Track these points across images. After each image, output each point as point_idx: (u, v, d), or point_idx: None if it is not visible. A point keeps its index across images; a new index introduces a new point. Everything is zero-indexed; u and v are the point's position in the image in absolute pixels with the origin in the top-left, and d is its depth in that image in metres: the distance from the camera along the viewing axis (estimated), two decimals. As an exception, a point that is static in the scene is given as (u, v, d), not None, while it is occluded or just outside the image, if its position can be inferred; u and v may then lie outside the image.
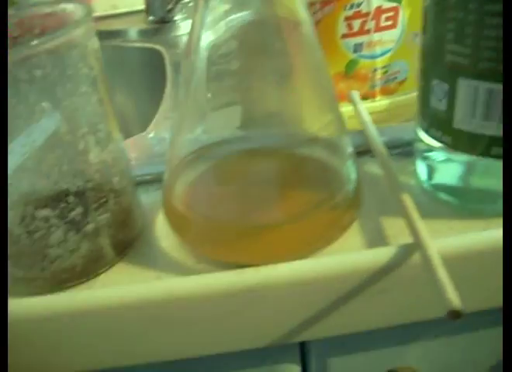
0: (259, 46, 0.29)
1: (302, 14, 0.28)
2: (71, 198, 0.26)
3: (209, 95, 0.29)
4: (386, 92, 0.49)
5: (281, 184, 0.29)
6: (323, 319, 0.28)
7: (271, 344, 0.29)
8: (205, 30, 0.28)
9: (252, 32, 0.29)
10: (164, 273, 0.28)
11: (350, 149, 0.29)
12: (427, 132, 0.31)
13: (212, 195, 0.29)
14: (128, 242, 0.30)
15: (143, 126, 0.49)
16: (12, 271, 0.27)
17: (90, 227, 0.27)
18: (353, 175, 0.29)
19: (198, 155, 0.30)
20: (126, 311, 0.27)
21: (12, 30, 0.29)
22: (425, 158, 0.32)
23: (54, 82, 0.24)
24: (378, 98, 0.49)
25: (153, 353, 0.29)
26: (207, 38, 0.28)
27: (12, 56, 0.22)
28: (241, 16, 0.28)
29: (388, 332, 0.32)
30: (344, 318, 0.29)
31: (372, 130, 0.36)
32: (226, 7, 0.28)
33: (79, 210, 0.27)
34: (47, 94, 0.24)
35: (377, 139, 0.35)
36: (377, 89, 0.49)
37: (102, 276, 0.29)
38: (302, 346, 0.34)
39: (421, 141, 0.32)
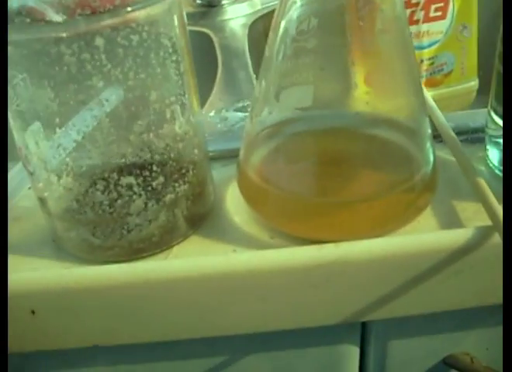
0: (339, 23, 0.29)
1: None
2: (155, 167, 0.27)
3: (287, 73, 0.29)
4: (431, 84, 0.49)
5: (361, 163, 0.29)
6: (394, 298, 0.28)
7: (340, 322, 0.29)
8: (289, 7, 0.28)
9: (334, 8, 0.29)
10: (239, 247, 0.28)
11: (429, 132, 0.29)
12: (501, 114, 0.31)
13: (289, 170, 0.29)
14: (201, 216, 0.30)
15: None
16: (90, 239, 0.28)
17: (169, 197, 0.28)
18: (431, 158, 0.29)
19: (273, 131, 0.30)
20: (203, 282, 0.27)
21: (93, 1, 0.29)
22: (498, 143, 0.32)
23: (149, 49, 0.25)
24: (423, 89, 0.49)
25: (225, 326, 0.29)
26: (291, 15, 0.28)
27: (112, 19, 0.22)
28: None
29: (449, 316, 0.32)
30: (415, 299, 0.29)
31: (440, 116, 0.36)
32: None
33: (161, 179, 0.27)
34: (142, 61, 0.25)
35: (445, 124, 0.35)
36: (422, 80, 0.49)
37: (176, 248, 0.29)
38: (363, 328, 0.34)
39: (495, 125, 0.32)
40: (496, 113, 0.31)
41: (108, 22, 0.22)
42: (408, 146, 0.30)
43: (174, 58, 0.26)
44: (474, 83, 0.50)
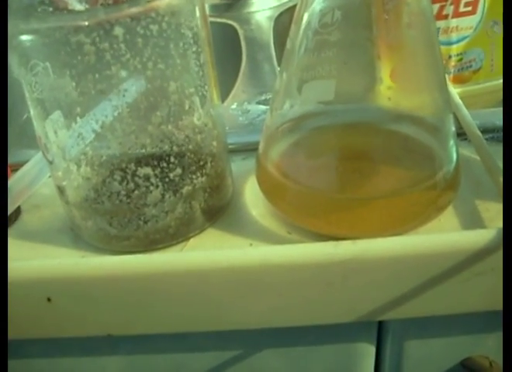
0: (364, 16, 0.28)
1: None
2: (172, 159, 0.26)
3: (309, 66, 0.29)
4: (459, 80, 0.48)
5: (382, 160, 0.28)
6: (411, 299, 0.28)
7: (356, 320, 0.29)
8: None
9: (359, 1, 0.28)
10: (256, 241, 0.28)
11: (453, 129, 0.28)
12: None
13: (308, 166, 0.29)
14: (219, 208, 0.30)
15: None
16: (106, 228, 0.28)
17: (186, 189, 0.27)
18: (454, 156, 0.28)
19: (293, 125, 0.30)
20: (218, 275, 0.27)
21: None
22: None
23: (168, 40, 0.24)
24: (450, 85, 0.48)
25: (239, 320, 0.29)
26: (314, 7, 0.28)
27: (132, 9, 0.22)
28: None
29: (467, 319, 0.31)
30: (434, 300, 0.28)
31: (465, 113, 0.35)
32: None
33: (178, 171, 0.27)
34: (161, 51, 0.24)
35: (471, 122, 0.34)
36: (450, 77, 0.48)
37: (192, 240, 0.29)
38: (380, 327, 0.34)
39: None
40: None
41: (128, 11, 0.22)
42: (431, 143, 0.29)
43: (194, 49, 0.26)
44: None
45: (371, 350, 0.34)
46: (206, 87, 0.27)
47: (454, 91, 0.38)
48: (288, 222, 0.29)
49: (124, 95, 0.24)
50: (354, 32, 0.29)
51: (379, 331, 0.34)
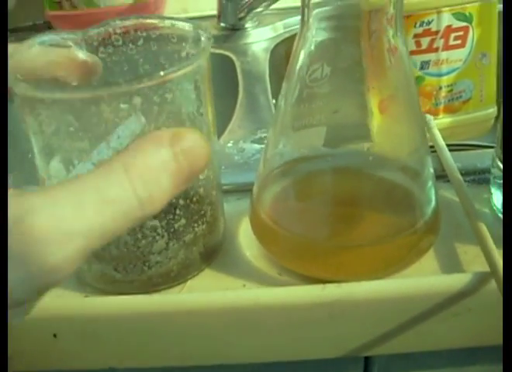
0: (349, 70, 0.30)
1: (399, 40, 0.29)
2: (178, 211, 0.28)
3: (299, 116, 0.31)
4: (450, 110, 0.50)
5: (366, 206, 0.30)
6: (394, 337, 0.30)
7: (342, 356, 0.31)
8: (302, 56, 0.30)
9: (343, 57, 0.30)
10: (248, 282, 0.30)
11: (431, 173, 0.30)
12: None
13: (298, 211, 0.31)
14: (214, 249, 0.32)
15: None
16: (111, 273, 0.30)
17: (189, 237, 0.29)
18: (433, 199, 0.30)
19: (284, 171, 0.32)
20: (213, 315, 0.29)
21: (116, 40, 0.30)
22: (502, 186, 0.33)
23: (180, 105, 0.26)
24: (441, 115, 0.50)
25: (232, 355, 0.31)
26: (304, 63, 0.30)
27: (150, 81, 0.24)
28: (335, 40, 0.30)
29: (450, 352, 0.33)
30: (415, 338, 0.30)
31: (447, 156, 0.37)
32: (328, 35, 0.29)
33: (183, 221, 0.29)
34: (175, 115, 0.26)
35: (452, 165, 0.36)
36: (441, 107, 0.50)
37: (190, 281, 0.31)
38: (366, 360, 0.36)
39: (499, 169, 0.33)
40: (501, 161, 0.32)
41: (147, 83, 0.23)
42: (411, 187, 0.31)
43: (201, 110, 0.28)
44: (492, 110, 0.51)
45: (358, 381, 0.36)
46: (210, 139, 0.29)
47: (439, 134, 0.40)
48: (279, 264, 0.31)
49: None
50: (344, 83, 0.31)
51: (366, 364, 0.35)
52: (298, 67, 0.30)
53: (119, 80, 0.24)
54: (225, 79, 0.62)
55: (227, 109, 0.52)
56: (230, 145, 0.43)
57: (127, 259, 0.29)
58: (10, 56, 0.23)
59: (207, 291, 0.30)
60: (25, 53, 0.26)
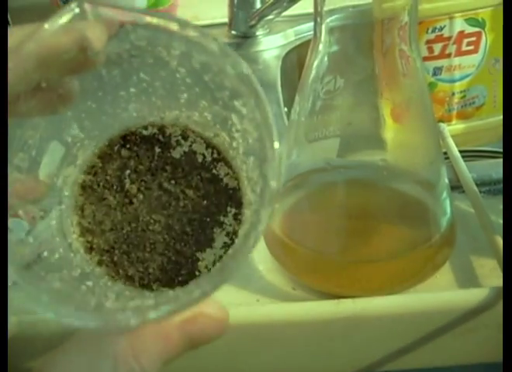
0: (361, 82, 0.30)
1: (413, 49, 0.29)
2: None
3: (313, 128, 0.31)
4: (463, 116, 0.50)
5: (380, 219, 0.30)
6: (409, 352, 0.30)
7: (356, 371, 0.31)
8: (315, 69, 0.30)
9: (356, 69, 0.30)
10: (262, 297, 0.30)
11: (446, 184, 0.30)
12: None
13: (311, 226, 0.30)
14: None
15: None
16: None
17: None
18: (448, 211, 0.30)
19: (297, 183, 0.32)
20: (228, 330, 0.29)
21: None
22: (517, 198, 0.32)
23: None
24: (454, 121, 0.49)
25: (246, 369, 0.31)
26: (316, 76, 0.30)
27: None
28: (348, 52, 0.30)
29: (468, 367, 0.32)
30: (431, 353, 0.30)
31: (462, 166, 0.37)
32: (341, 46, 0.29)
33: None
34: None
35: (467, 175, 0.36)
36: (454, 113, 0.49)
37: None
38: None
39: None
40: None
41: None
42: (426, 199, 0.31)
43: None
44: (506, 116, 0.50)
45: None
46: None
47: (453, 143, 0.40)
48: (293, 279, 0.31)
49: None
50: (357, 95, 0.30)
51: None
52: (311, 79, 0.29)
53: None
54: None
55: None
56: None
57: None
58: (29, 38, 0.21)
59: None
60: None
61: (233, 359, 0.30)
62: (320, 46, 0.29)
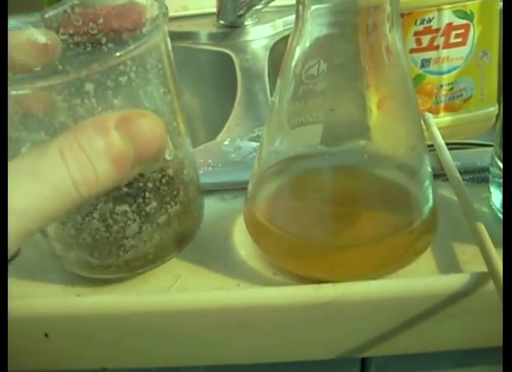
0: (346, 67, 0.30)
1: (396, 37, 0.28)
2: (147, 194, 0.28)
3: (295, 113, 0.30)
4: (450, 109, 0.50)
5: (362, 204, 0.30)
6: (390, 338, 0.29)
7: (338, 357, 0.30)
8: (298, 52, 0.29)
9: (340, 53, 0.30)
10: (243, 282, 0.30)
11: (429, 172, 0.30)
12: (504, 160, 0.31)
13: (293, 210, 0.30)
14: (193, 230, 0.32)
15: (212, 130, 0.50)
16: (88, 259, 0.29)
17: (162, 219, 0.29)
18: (430, 198, 0.30)
19: (280, 169, 0.31)
20: (206, 315, 0.28)
21: (76, 20, 0.29)
22: (501, 185, 0.32)
23: (137, 87, 0.25)
24: (441, 114, 0.49)
25: (225, 356, 0.31)
26: (298, 60, 0.29)
27: (100, 66, 0.23)
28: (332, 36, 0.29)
29: (449, 353, 0.32)
30: (411, 339, 0.30)
31: (446, 154, 0.37)
32: (325, 31, 0.29)
33: (154, 204, 0.28)
34: (130, 99, 0.25)
35: (451, 163, 0.35)
36: (441, 105, 0.49)
37: (182, 278, 0.31)
38: (363, 359, 0.35)
39: (498, 167, 0.32)
40: (500, 159, 0.32)
41: (97, 69, 0.23)
42: (409, 185, 0.31)
43: (161, 90, 0.27)
44: (493, 108, 0.50)
45: (355, 382, 0.36)
46: (175, 123, 0.29)
47: (438, 132, 0.40)
48: (274, 264, 0.30)
49: None
50: (340, 80, 0.30)
51: (363, 364, 0.35)
52: (293, 64, 0.29)
53: (68, 69, 0.24)
54: (224, 77, 0.62)
55: (226, 107, 0.52)
56: (226, 143, 0.42)
57: (101, 245, 0.28)
58: None
59: (200, 291, 0.29)
60: None
61: (213, 345, 0.30)
62: (303, 30, 0.28)
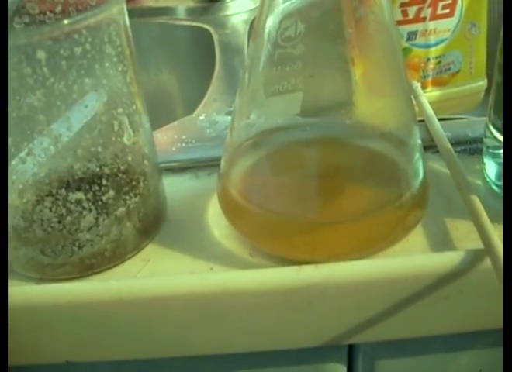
0: (326, 29, 0.27)
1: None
2: (104, 181, 0.26)
3: (271, 80, 0.28)
4: (438, 83, 0.48)
5: (346, 178, 0.27)
6: (378, 323, 0.27)
7: (323, 344, 0.28)
8: (271, 12, 0.27)
9: (318, 13, 0.27)
10: (217, 265, 0.27)
11: (419, 143, 0.28)
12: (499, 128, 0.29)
13: (271, 186, 0.28)
14: (154, 225, 0.30)
15: (190, 106, 0.48)
16: (39, 257, 0.27)
17: (121, 211, 0.27)
18: (420, 171, 0.28)
19: (256, 142, 0.29)
20: (177, 301, 0.26)
21: (32, 8, 0.28)
22: (495, 156, 0.30)
23: (93, 60, 0.24)
24: (429, 88, 0.47)
25: (201, 346, 0.28)
26: (273, 20, 0.27)
27: (54, 31, 0.22)
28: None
29: (440, 338, 0.30)
30: (401, 323, 0.27)
31: (436, 125, 0.34)
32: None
33: (111, 193, 0.26)
34: (86, 72, 0.24)
35: (442, 134, 0.33)
36: (429, 80, 0.47)
37: (152, 262, 0.28)
38: (350, 347, 0.33)
39: (492, 138, 0.30)
40: (496, 127, 0.30)
41: (50, 34, 0.21)
42: (397, 158, 0.28)
43: (120, 68, 0.25)
44: (482, 82, 0.48)
45: (342, 370, 0.33)
46: (134, 106, 0.27)
47: (426, 101, 0.37)
48: (250, 245, 0.28)
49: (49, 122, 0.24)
50: (320, 43, 0.28)
51: (350, 351, 0.33)
52: (267, 24, 0.26)
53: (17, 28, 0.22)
54: (202, 53, 0.60)
55: (204, 84, 0.50)
56: (202, 118, 0.40)
57: (54, 239, 0.26)
58: None
59: (170, 275, 0.27)
60: None
61: (185, 335, 0.28)
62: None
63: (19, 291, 0.27)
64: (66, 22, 0.22)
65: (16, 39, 0.21)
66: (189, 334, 0.27)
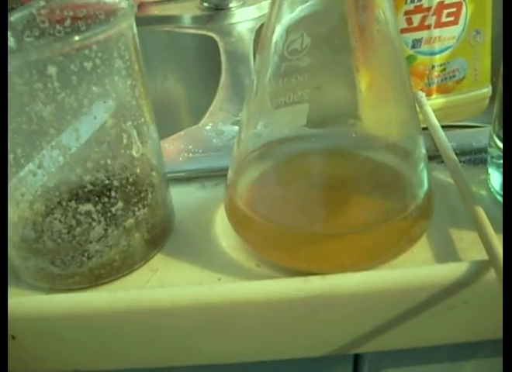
0: (331, 42, 0.28)
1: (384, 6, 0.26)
2: (113, 193, 0.26)
3: (278, 92, 0.28)
4: (443, 90, 0.48)
5: (351, 189, 0.28)
6: (384, 333, 0.27)
7: (329, 354, 0.28)
8: (278, 23, 0.27)
9: (324, 26, 0.27)
10: (224, 275, 0.28)
11: (423, 153, 0.28)
12: (504, 139, 0.29)
13: (277, 198, 0.28)
14: (162, 236, 0.30)
15: (196, 114, 0.48)
16: (49, 268, 0.27)
17: (129, 222, 0.27)
18: (425, 182, 0.28)
19: (263, 153, 0.29)
20: (185, 312, 0.26)
21: (42, 22, 0.28)
22: (500, 166, 0.30)
23: (103, 74, 0.24)
24: (434, 96, 0.47)
25: (208, 355, 0.29)
26: (280, 33, 0.27)
27: (64, 47, 0.22)
28: (314, 9, 0.27)
29: (444, 347, 0.30)
30: (407, 333, 0.28)
31: (441, 135, 0.34)
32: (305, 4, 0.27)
33: (120, 205, 0.27)
34: (96, 86, 0.24)
35: (446, 144, 0.33)
36: (433, 87, 0.47)
37: (159, 273, 0.28)
38: (356, 356, 0.33)
39: (497, 148, 0.30)
40: (500, 138, 0.30)
41: (61, 50, 0.22)
42: (402, 169, 0.28)
43: (128, 82, 0.26)
44: (487, 90, 0.48)
45: (347, 379, 0.34)
46: (142, 118, 0.27)
47: (431, 111, 0.37)
48: (257, 255, 0.28)
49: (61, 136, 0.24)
50: (325, 56, 0.28)
51: (356, 360, 0.33)
52: (274, 38, 0.27)
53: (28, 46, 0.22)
54: (208, 61, 0.60)
55: (211, 92, 0.50)
56: (208, 128, 0.40)
57: (64, 250, 0.26)
58: None
59: (178, 286, 0.27)
60: None
61: (193, 344, 0.28)
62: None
63: (29, 301, 0.27)
64: (77, 38, 0.22)
65: (28, 55, 0.21)
66: (197, 343, 0.28)
